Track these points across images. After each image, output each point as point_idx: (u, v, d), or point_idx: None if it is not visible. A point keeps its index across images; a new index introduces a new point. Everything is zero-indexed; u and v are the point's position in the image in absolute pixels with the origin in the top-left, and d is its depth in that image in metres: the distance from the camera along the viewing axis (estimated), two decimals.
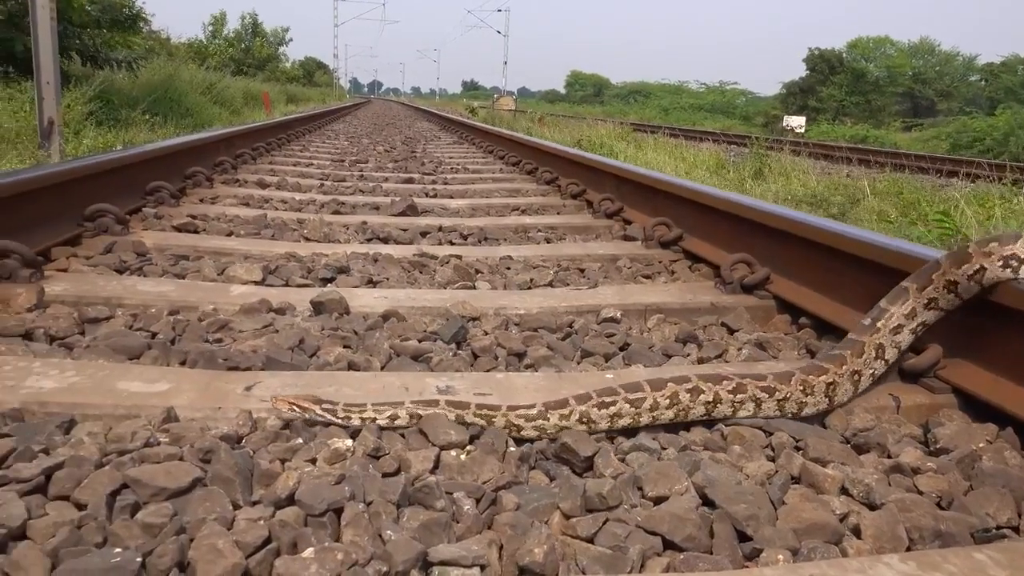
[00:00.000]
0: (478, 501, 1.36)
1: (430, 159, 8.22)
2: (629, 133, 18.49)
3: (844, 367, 1.76)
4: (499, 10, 63.08)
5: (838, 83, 57.36)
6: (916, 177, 9.98)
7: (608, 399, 1.63)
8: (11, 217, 2.76)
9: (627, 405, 1.63)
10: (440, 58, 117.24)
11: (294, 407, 1.59)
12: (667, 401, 1.65)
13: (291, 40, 59.63)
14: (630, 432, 1.67)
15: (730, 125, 38.27)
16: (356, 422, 1.60)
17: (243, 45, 51.73)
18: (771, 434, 1.66)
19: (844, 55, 59.82)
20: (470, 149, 10.37)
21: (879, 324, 1.84)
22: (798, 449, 1.60)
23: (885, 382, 1.92)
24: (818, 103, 55.90)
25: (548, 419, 1.60)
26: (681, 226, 3.59)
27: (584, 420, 1.61)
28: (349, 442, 1.50)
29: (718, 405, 1.68)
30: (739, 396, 1.69)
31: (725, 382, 1.69)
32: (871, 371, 1.82)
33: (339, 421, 1.60)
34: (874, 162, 10.67)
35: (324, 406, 1.60)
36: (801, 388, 1.72)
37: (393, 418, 1.61)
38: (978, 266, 1.80)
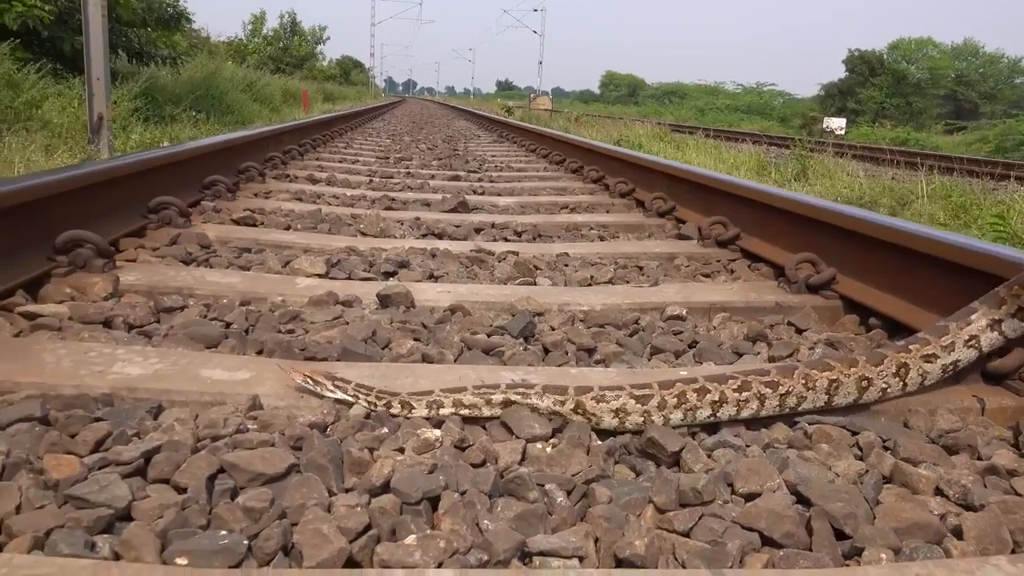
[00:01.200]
0: (569, 493, 1.36)
1: (473, 157, 8.23)
2: (667, 133, 18.41)
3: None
4: (535, 10, 63.04)
5: (878, 85, 56.53)
6: (964, 181, 9.78)
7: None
8: (83, 208, 2.82)
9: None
10: (475, 58, 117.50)
11: (308, 379, 1.65)
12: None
13: (328, 39, 60.13)
14: (711, 428, 1.66)
15: (768, 127, 37.89)
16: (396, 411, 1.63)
17: (281, 44, 52.28)
18: (857, 433, 1.63)
19: (885, 56, 58.94)
20: (511, 148, 10.38)
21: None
22: (886, 449, 1.58)
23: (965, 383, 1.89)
24: (857, 105, 55.15)
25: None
26: (738, 225, 3.56)
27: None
28: (437, 432, 1.51)
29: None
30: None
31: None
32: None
33: (348, 397, 1.65)
34: (922, 164, 10.48)
35: (336, 382, 1.65)
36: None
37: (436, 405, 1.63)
38: None
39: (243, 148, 5.33)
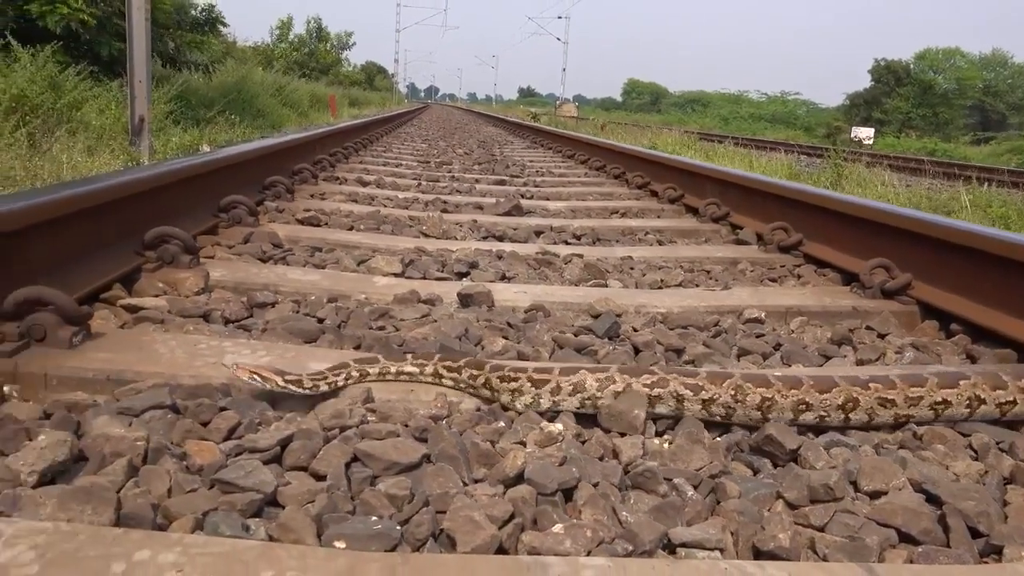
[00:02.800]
0: (696, 487, 1.38)
1: (512, 162, 8.27)
2: (695, 142, 18.38)
3: None
4: (559, 17, 63.13)
5: (904, 95, 56.14)
6: (1004, 191, 9.71)
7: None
8: (163, 206, 2.87)
9: None
10: (498, 64, 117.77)
11: (254, 376, 1.58)
12: None
13: (354, 44, 60.52)
14: (817, 429, 1.67)
15: (793, 136, 37.69)
16: (324, 387, 1.65)
17: (307, 49, 52.65)
18: (968, 435, 1.64)
19: (911, 66, 58.53)
20: (546, 153, 10.41)
21: None
22: (1002, 451, 1.58)
23: None
24: (883, 115, 54.77)
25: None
26: (799, 230, 3.56)
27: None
28: (559, 426, 1.53)
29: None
30: None
31: None
32: None
33: (304, 391, 1.63)
34: (959, 175, 10.40)
35: (288, 377, 1.61)
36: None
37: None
38: None
39: (295, 151, 5.40)
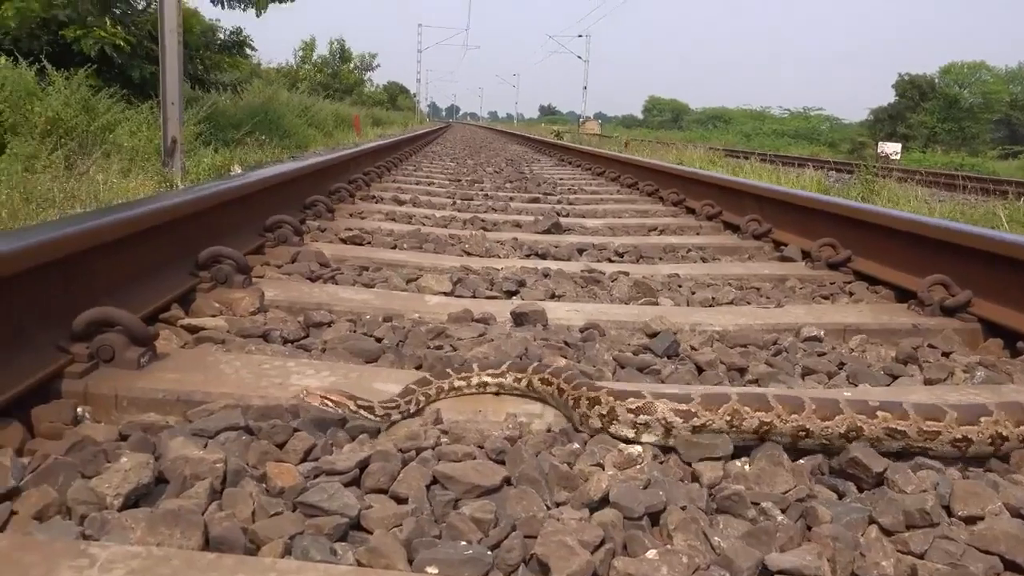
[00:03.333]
0: (784, 511, 1.34)
1: (543, 180, 8.27)
2: (720, 158, 18.32)
3: None
4: (580, 35, 63.41)
5: (929, 109, 55.73)
6: None
7: None
8: (211, 227, 2.88)
9: None
10: (519, 83, 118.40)
11: (326, 401, 1.55)
12: None
13: (378, 66, 61.16)
14: (899, 453, 1.63)
15: (817, 151, 37.49)
16: (396, 416, 1.62)
17: (330, 70, 53.27)
18: None
19: (936, 81, 58.12)
20: (576, 171, 10.40)
21: None
22: None
23: None
24: (908, 130, 54.37)
25: None
26: (847, 247, 3.51)
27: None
28: (638, 448, 1.50)
29: None
30: None
31: None
32: None
33: (375, 418, 1.59)
34: (995, 190, 10.27)
35: (360, 402, 1.57)
36: None
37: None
38: None
39: (331, 170, 5.43)
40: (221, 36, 17.04)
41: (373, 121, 39.24)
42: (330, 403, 1.55)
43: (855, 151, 37.80)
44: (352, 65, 55.86)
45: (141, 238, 2.25)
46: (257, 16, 15.71)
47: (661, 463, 1.50)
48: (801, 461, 1.53)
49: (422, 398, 1.68)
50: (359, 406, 1.57)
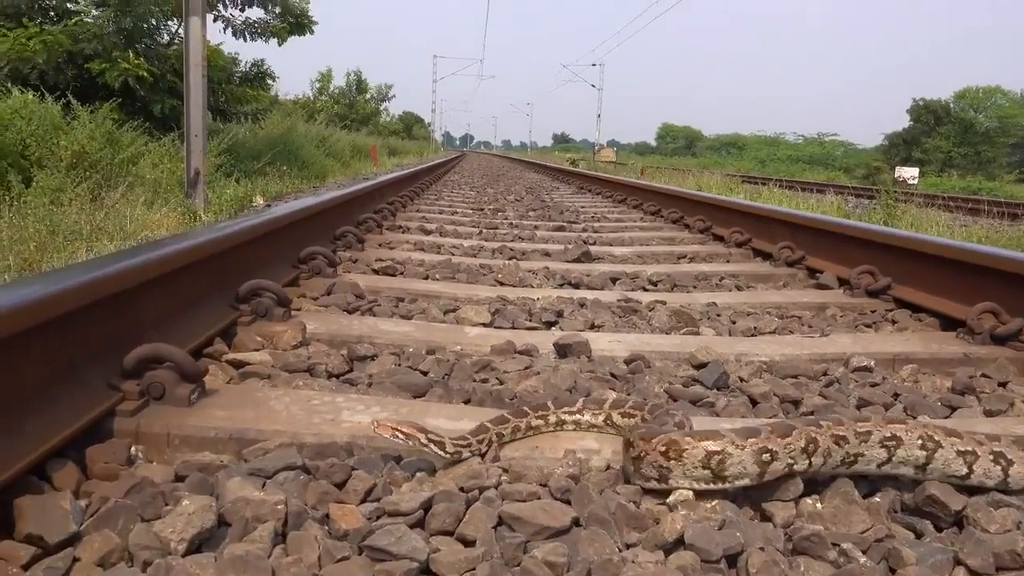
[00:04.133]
0: (864, 552, 1.29)
1: (565, 208, 8.26)
2: (738, 184, 18.29)
3: None
4: (594, 64, 63.90)
5: (945, 134, 55.59)
6: None
7: None
8: (248, 260, 2.87)
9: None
10: (532, 111, 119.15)
11: (397, 433, 1.51)
12: None
13: (394, 96, 61.78)
14: (973, 489, 1.57)
15: (833, 176, 37.41)
16: (467, 454, 1.57)
17: (347, 101, 53.80)
18: None
19: (951, 105, 58.02)
20: (596, 199, 10.40)
21: None
22: None
23: None
24: (923, 155, 54.19)
25: None
26: (886, 274, 3.46)
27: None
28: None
29: None
30: None
31: None
32: None
33: (445, 454, 1.54)
34: (1022, 215, 10.16)
35: (430, 436, 1.53)
36: None
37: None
38: None
39: (357, 201, 5.44)
40: (240, 69, 17.24)
41: (389, 151, 39.54)
42: (401, 435, 1.51)
43: (870, 176, 37.69)
44: (368, 96, 56.44)
45: (184, 273, 2.24)
46: (279, 45, 15.93)
47: (732, 501, 1.45)
48: (876, 499, 1.48)
49: (495, 437, 1.64)
50: (429, 439, 1.53)
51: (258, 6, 16.14)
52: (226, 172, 12.74)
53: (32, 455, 1.36)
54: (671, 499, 1.41)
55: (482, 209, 7.85)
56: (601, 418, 1.72)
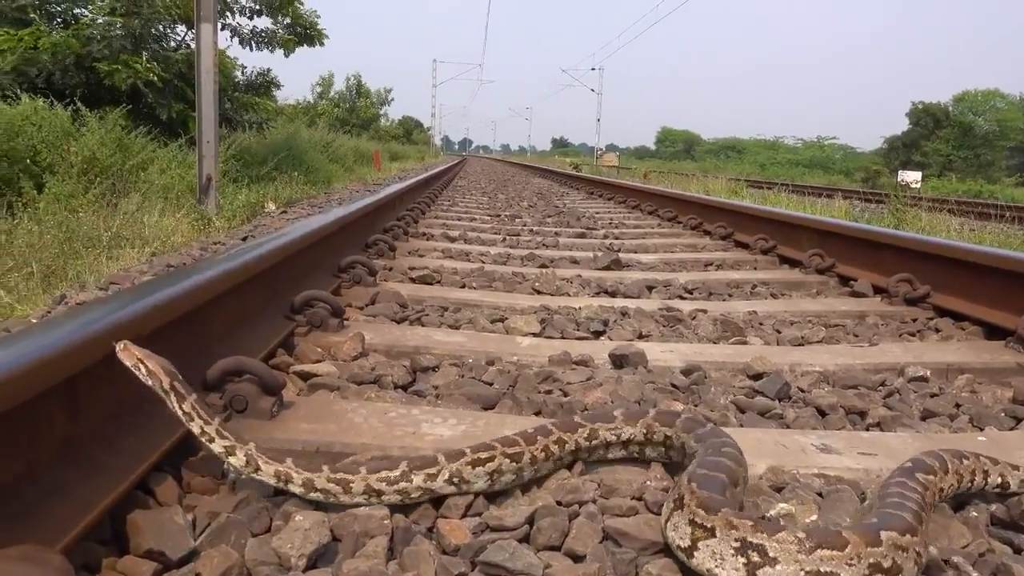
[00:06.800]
0: (973, 566, 1.30)
1: (580, 215, 8.27)
2: (743, 188, 18.31)
3: None
4: (593, 69, 64.00)
5: (944, 137, 55.73)
6: None
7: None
8: (296, 271, 2.87)
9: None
10: (531, 116, 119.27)
11: (140, 365, 1.38)
12: None
13: (393, 100, 61.88)
14: None
15: (834, 180, 37.50)
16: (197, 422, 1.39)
17: (348, 105, 53.89)
18: None
19: (950, 109, 58.17)
20: (607, 204, 10.42)
21: None
22: None
23: None
24: (922, 158, 54.34)
25: None
26: (924, 282, 3.47)
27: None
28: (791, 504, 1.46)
29: None
30: None
31: None
32: None
33: (179, 411, 1.39)
34: None
35: (176, 383, 1.39)
36: None
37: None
38: None
39: (382, 209, 5.44)
40: (239, 75, 17.20)
41: (390, 156, 39.58)
42: (143, 369, 1.37)
43: (869, 180, 37.75)
44: (368, 100, 56.50)
45: (246, 286, 2.25)
46: (286, 56, 15.93)
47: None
48: (972, 512, 1.48)
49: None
50: (173, 388, 1.39)
51: (267, 16, 16.14)
52: (232, 178, 12.74)
53: (137, 470, 1.36)
54: (772, 512, 1.42)
55: (499, 215, 7.86)
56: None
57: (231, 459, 1.40)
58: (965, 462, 1.52)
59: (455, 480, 1.42)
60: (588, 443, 1.60)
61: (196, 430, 1.40)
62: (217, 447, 1.40)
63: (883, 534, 1.18)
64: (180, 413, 1.40)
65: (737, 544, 1.17)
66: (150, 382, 1.39)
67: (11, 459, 1.18)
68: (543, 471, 1.54)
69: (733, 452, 1.44)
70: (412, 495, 1.40)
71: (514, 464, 1.48)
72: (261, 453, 1.39)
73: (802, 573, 1.13)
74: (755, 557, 1.15)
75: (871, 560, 1.15)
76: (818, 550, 1.14)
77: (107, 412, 1.44)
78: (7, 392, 1.13)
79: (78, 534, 1.15)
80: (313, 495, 1.38)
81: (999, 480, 1.55)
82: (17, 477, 1.19)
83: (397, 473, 1.39)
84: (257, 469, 1.39)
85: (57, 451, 1.29)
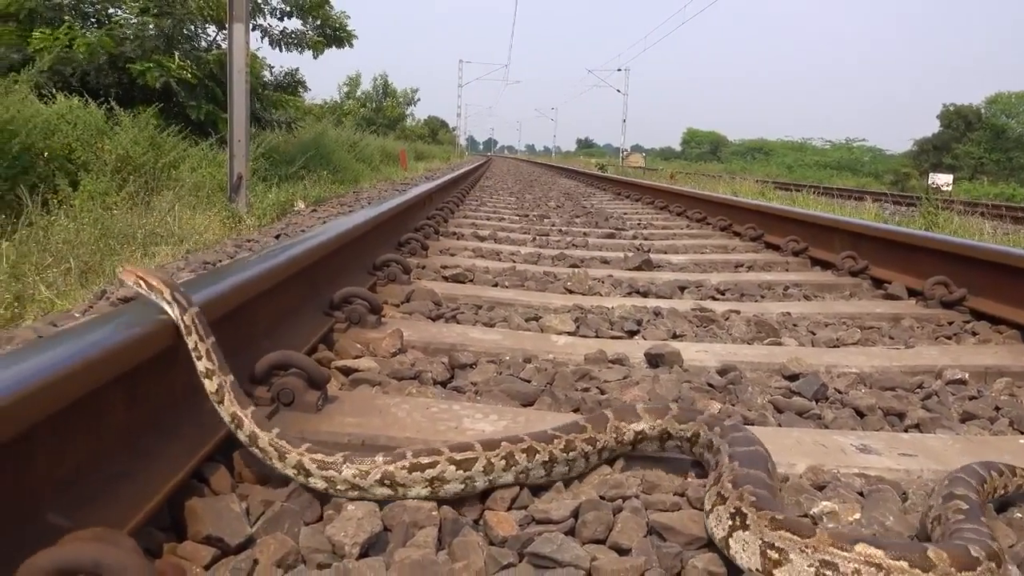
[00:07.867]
0: (1019, 567, 1.30)
1: (608, 215, 8.28)
2: (771, 190, 18.21)
3: None
4: (619, 69, 63.84)
5: (976, 140, 54.94)
6: None
7: None
8: (332, 268, 2.91)
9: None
10: (557, 116, 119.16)
11: (140, 282, 1.46)
12: None
13: (419, 100, 62.14)
14: None
15: (865, 183, 37.15)
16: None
17: (374, 105, 54.20)
18: None
19: (982, 111, 57.34)
20: (635, 205, 10.41)
21: None
22: None
23: None
24: (953, 160, 53.59)
25: None
26: (960, 285, 3.45)
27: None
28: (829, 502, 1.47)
29: None
30: None
31: None
32: None
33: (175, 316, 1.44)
34: None
35: (177, 293, 1.45)
36: None
37: None
38: None
39: (413, 209, 5.48)
40: (267, 74, 17.36)
41: (415, 155, 39.75)
42: (144, 286, 1.46)
43: (898, 183, 37.34)
44: (395, 100, 56.79)
45: (289, 282, 2.29)
46: (314, 58, 16.06)
47: None
48: (1018, 515, 1.49)
49: None
50: (175, 299, 1.46)
51: (298, 17, 16.28)
52: (262, 176, 12.87)
53: (195, 458, 1.40)
54: (815, 511, 1.43)
55: (527, 215, 7.89)
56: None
57: (206, 381, 1.46)
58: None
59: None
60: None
61: (190, 344, 1.46)
62: (201, 366, 1.46)
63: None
64: (182, 326, 1.45)
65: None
66: (152, 296, 1.45)
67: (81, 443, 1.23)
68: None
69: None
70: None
71: None
72: (231, 389, 1.45)
73: None
74: None
75: None
76: None
77: (164, 402, 1.47)
78: (71, 385, 1.16)
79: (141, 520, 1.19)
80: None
81: None
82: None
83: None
84: (220, 402, 1.45)
85: (117, 439, 1.33)
